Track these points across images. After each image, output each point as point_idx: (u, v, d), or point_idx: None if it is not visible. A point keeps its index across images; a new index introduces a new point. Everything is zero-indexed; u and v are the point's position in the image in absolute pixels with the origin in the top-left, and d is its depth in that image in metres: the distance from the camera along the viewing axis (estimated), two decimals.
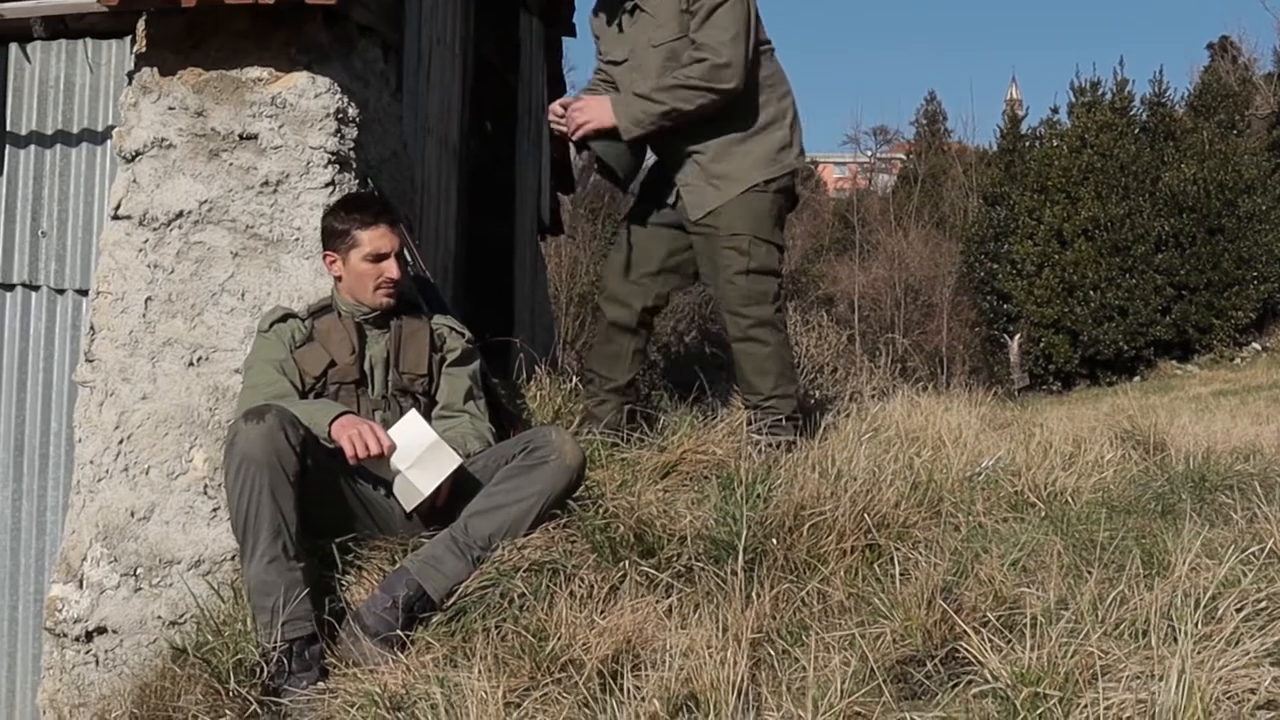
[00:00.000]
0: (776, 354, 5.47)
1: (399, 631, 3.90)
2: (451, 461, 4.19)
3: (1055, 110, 36.12)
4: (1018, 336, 31.18)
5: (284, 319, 4.65)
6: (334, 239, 4.66)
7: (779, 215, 5.55)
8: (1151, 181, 32.21)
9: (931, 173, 45.49)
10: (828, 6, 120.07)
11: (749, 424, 5.35)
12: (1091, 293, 31.74)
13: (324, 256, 4.73)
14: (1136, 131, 33.94)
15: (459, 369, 4.74)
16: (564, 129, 5.45)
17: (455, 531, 4.12)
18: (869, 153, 54.11)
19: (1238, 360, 31.05)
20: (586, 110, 5.37)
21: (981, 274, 34.77)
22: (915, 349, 30.63)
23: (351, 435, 4.09)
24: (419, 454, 4.17)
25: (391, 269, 4.60)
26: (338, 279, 4.69)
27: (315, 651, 3.90)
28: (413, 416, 4.28)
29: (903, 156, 51.86)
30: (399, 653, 3.85)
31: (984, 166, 41.23)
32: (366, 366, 4.58)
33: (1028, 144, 35.75)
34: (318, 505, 4.16)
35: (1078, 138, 33.35)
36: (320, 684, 3.82)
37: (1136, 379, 31.00)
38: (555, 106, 5.53)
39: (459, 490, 4.27)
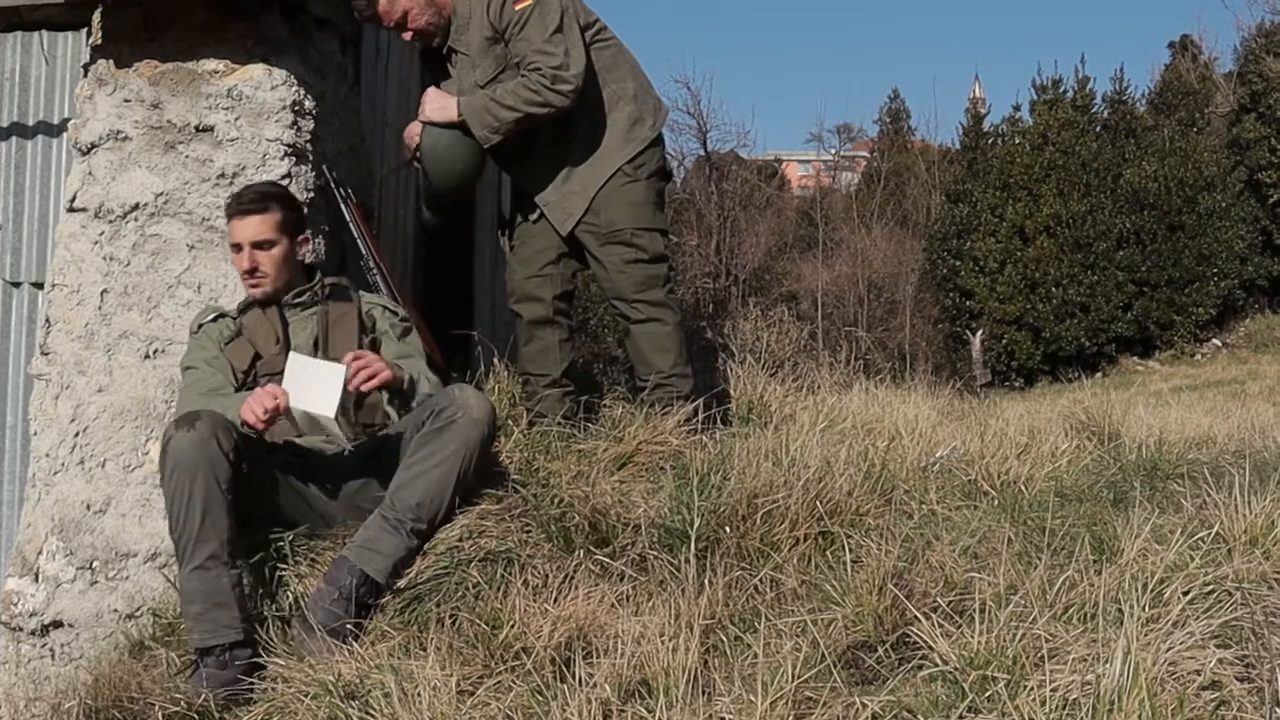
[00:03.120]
0: (675, 333, 5.50)
1: (349, 621, 3.90)
2: (336, 372, 4.16)
3: (1017, 108, 36.32)
4: (980, 333, 31.30)
5: (214, 319, 4.69)
6: None
7: (657, 199, 5.55)
8: (1113, 179, 32.43)
9: (895, 170, 45.58)
10: (790, 4, 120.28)
11: (648, 404, 5.33)
12: (1053, 289, 31.93)
13: None
14: (1098, 129, 34.18)
15: (402, 345, 4.73)
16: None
17: (384, 510, 4.13)
18: (833, 151, 54.08)
19: (1198, 356, 31.28)
20: (424, 103, 5.34)
21: (944, 271, 34.93)
22: (878, 346, 30.78)
23: (247, 408, 4.10)
24: (308, 384, 4.14)
25: (243, 260, 4.62)
26: None
27: (239, 656, 3.89)
28: (293, 358, 4.26)
29: (866, 154, 51.95)
30: (353, 642, 3.85)
31: (947, 164, 41.40)
32: None
33: (990, 141, 35.95)
34: (260, 503, 4.19)
35: (1040, 135, 33.54)
36: (237, 686, 3.81)
37: (1098, 375, 31.15)
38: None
39: (386, 468, 4.29)
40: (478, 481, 4.34)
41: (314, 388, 4.14)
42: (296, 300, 4.68)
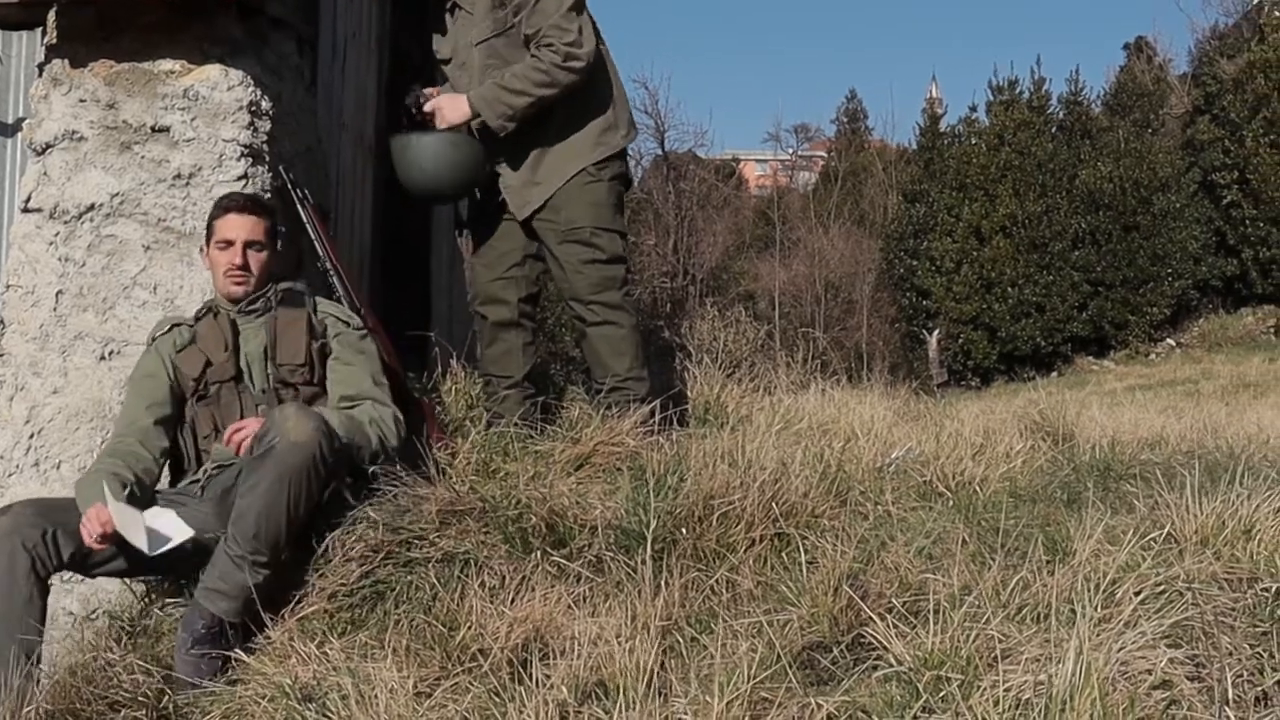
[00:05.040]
0: (631, 335, 5.49)
1: (214, 663, 3.89)
2: (130, 514, 4.09)
3: (974, 109, 36.46)
4: (936, 333, 31.44)
5: (170, 329, 4.65)
6: (207, 231, 4.72)
7: (618, 201, 5.57)
8: (1068, 179, 32.67)
9: (852, 170, 45.72)
10: (747, 3, 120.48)
11: (604, 406, 5.33)
12: (1009, 289, 32.13)
13: (200, 251, 4.81)
14: (1053, 130, 34.45)
15: (352, 356, 4.69)
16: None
17: (228, 544, 4.02)
18: (790, 150, 54.20)
19: (1152, 356, 31.52)
20: (441, 109, 5.35)
21: (901, 271, 35.11)
22: (835, 345, 30.82)
23: (83, 528, 4.08)
24: (126, 523, 4.04)
25: (235, 255, 4.59)
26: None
27: None
28: (111, 507, 4.10)
29: (824, 154, 52.07)
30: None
31: (904, 164, 41.58)
32: (243, 363, 4.58)
33: (947, 142, 36.15)
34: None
35: (996, 136, 33.76)
36: None
37: (1054, 374, 31.37)
38: (409, 101, 5.46)
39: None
40: (327, 496, 4.22)
41: (127, 524, 4.04)
42: (250, 308, 4.64)
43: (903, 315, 35.61)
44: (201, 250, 4.76)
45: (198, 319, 4.67)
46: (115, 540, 4.06)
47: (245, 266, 4.60)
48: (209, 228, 4.67)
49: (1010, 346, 32.27)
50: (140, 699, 3.74)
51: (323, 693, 3.51)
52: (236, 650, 3.89)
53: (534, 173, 5.39)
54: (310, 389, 4.56)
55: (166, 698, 3.77)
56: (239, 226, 4.61)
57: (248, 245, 4.61)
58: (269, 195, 5.11)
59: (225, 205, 4.67)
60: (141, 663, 3.90)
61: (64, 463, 4.98)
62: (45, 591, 4.11)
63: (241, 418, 4.45)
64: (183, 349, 4.57)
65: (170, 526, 4.19)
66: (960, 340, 32.78)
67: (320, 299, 4.82)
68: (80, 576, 4.78)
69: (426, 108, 5.36)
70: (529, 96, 5.24)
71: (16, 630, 3.97)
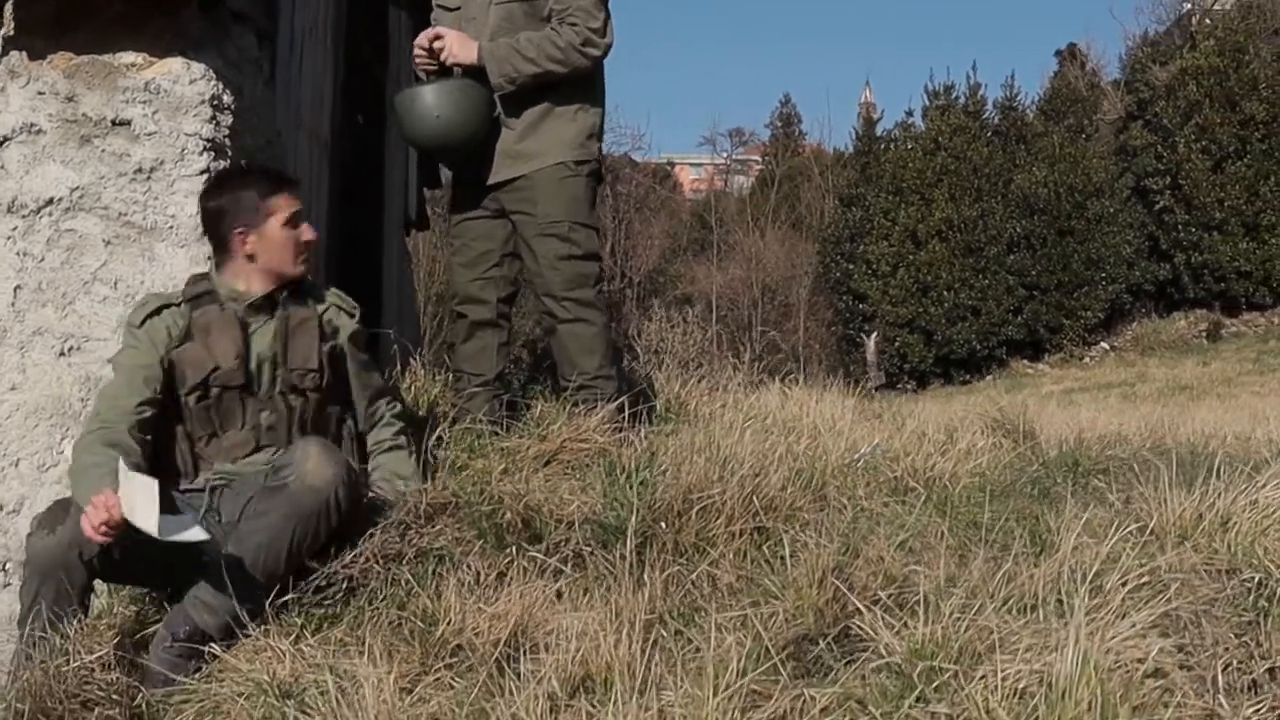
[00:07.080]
0: (602, 334, 5.47)
1: (190, 666, 3.83)
2: (148, 485, 3.76)
3: (910, 113, 36.82)
4: (874, 336, 31.64)
5: (159, 310, 4.28)
6: (245, 211, 4.31)
7: (593, 197, 5.56)
8: (1004, 184, 33.00)
9: (788, 174, 45.91)
10: (683, 5, 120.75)
11: (571, 404, 5.29)
12: (945, 293, 32.41)
13: (235, 234, 4.32)
14: (989, 135, 34.77)
15: (361, 370, 4.55)
16: (430, 66, 5.31)
17: (226, 563, 3.92)
18: (725, 154, 54.36)
19: (1087, 359, 31.88)
20: (449, 43, 5.26)
21: (837, 274, 35.34)
22: (772, 349, 30.96)
23: (85, 521, 3.73)
24: (132, 494, 3.74)
25: (309, 231, 4.39)
26: (249, 258, 4.32)
27: None
28: (120, 469, 3.83)
29: (758, 159, 52.27)
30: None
31: (840, 168, 41.83)
32: (253, 366, 4.28)
33: (883, 146, 36.40)
34: (145, 571, 4.09)
35: (932, 140, 34.08)
36: None
37: (989, 377, 31.65)
38: (421, 41, 5.35)
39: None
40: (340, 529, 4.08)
41: (137, 499, 3.74)
42: (259, 305, 4.33)
43: (839, 318, 35.85)
44: (239, 234, 4.32)
45: (192, 303, 4.32)
46: (119, 528, 3.73)
47: (315, 243, 4.46)
48: (265, 201, 4.31)
49: (946, 350, 32.55)
50: (114, 698, 3.68)
51: (301, 689, 3.47)
52: (212, 646, 3.83)
53: (514, 144, 5.34)
54: (318, 395, 4.34)
55: (140, 696, 3.72)
56: (297, 201, 4.41)
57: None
58: None
59: (276, 184, 4.39)
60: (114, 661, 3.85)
61: (23, 460, 4.89)
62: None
63: (242, 424, 4.29)
64: (181, 343, 4.25)
65: (186, 527, 3.87)
66: (896, 343, 33.03)
67: (324, 291, 4.58)
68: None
69: (436, 33, 5.29)
70: (538, 67, 5.22)
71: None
